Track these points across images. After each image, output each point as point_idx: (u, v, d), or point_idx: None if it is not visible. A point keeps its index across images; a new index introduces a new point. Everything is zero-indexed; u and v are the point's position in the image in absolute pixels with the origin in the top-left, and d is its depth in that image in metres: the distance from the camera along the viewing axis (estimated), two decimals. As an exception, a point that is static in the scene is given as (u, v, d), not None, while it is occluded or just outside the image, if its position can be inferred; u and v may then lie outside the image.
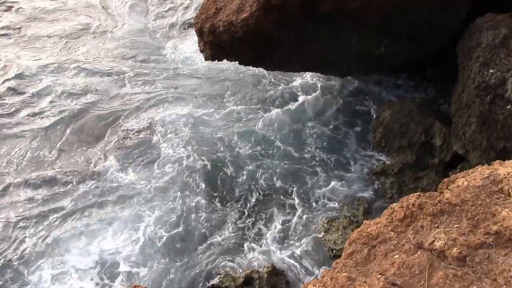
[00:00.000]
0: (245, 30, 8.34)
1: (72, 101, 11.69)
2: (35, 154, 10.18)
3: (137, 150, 10.23)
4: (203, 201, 9.02)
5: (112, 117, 11.12)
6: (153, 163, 9.90)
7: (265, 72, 11.91)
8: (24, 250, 8.25)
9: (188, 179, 9.47)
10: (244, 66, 10.33)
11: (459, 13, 8.72)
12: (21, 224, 8.71)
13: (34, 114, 11.34)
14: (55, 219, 8.79)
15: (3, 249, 8.27)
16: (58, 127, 10.89)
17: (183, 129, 10.68)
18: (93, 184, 9.43)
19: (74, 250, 8.23)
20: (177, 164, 9.81)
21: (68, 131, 10.81)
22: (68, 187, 9.39)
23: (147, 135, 10.61)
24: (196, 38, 9.56)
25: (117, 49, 13.83)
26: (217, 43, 8.86)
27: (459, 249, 3.53)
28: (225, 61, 9.49)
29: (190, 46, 13.60)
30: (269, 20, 8.29)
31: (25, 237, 8.47)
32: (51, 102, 11.71)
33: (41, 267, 7.99)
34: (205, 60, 9.57)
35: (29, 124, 11.04)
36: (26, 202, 9.10)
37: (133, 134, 10.65)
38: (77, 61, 13.21)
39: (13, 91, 12.07)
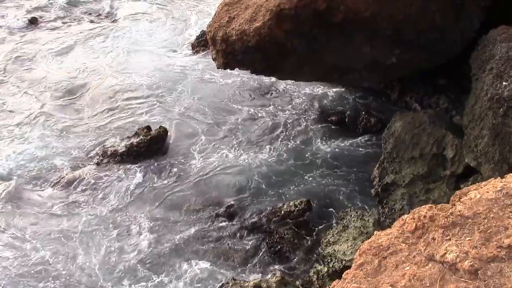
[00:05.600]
0: (258, 39, 8.39)
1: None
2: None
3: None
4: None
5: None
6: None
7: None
8: None
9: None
10: (256, 75, 10.37)
11: (471, 23, 8.69)
12: None
13: None
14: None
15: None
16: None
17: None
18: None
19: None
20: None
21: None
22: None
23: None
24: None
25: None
26: (229, 51, 8.92)
27: (471, 262, 3.49)
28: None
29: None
30: (281, 29, 8.34)
31: None
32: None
33: None
34: (217, 68, 9.62)
35: None
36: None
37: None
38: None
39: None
